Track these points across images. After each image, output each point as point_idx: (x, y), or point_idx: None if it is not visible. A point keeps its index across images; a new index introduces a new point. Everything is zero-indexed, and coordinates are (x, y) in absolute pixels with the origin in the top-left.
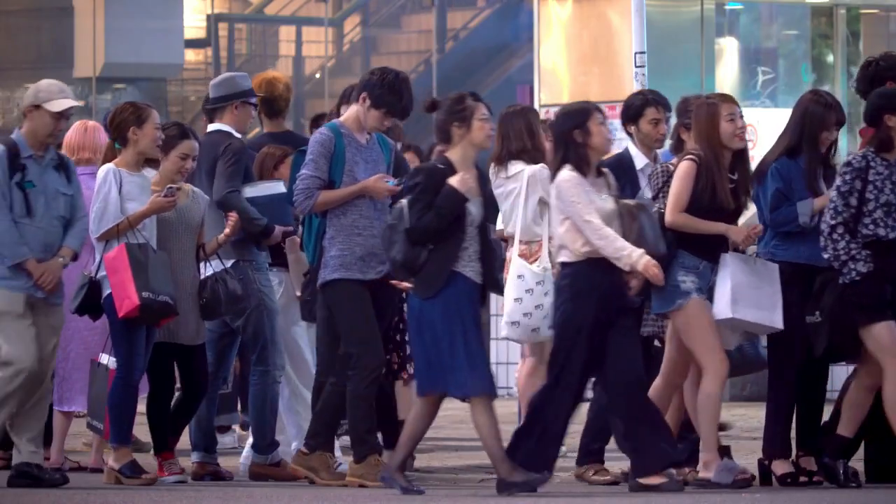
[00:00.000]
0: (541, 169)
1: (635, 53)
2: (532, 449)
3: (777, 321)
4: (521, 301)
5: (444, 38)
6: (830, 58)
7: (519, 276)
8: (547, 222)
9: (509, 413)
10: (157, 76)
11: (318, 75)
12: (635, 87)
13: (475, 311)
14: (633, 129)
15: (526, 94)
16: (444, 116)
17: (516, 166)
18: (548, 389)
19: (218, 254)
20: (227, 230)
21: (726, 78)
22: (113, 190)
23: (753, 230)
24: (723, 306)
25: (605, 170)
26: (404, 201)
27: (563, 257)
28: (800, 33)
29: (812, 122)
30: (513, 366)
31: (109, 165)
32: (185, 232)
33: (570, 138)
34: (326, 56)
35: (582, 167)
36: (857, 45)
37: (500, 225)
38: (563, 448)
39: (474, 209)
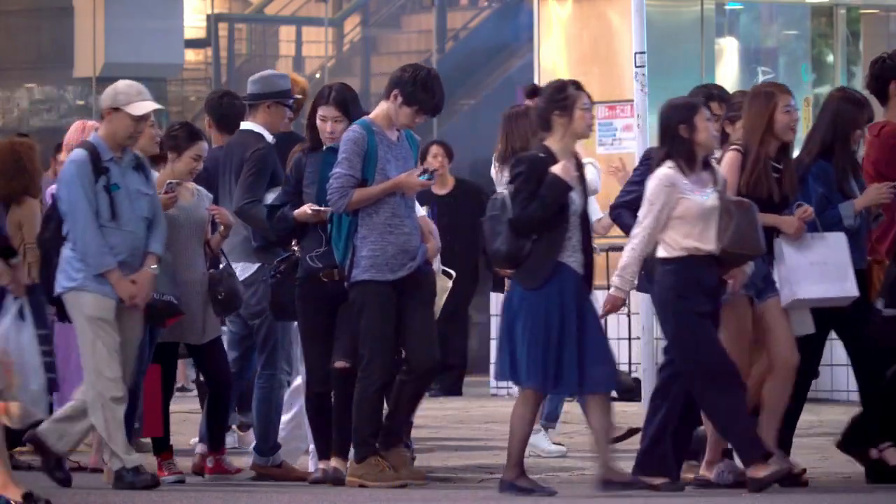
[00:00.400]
0: None
1: (635, 53)
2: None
3: (851, 289)
4: None
5: (444, 38)
6: (830, 58)
7: None
8: None
9: (510, 413)
10: (157, 76)
11: (318, 75)
12: (635, 87)
13: (581, 303)
14: None
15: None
16: (545, 105)
17: None
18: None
19: (222, 250)
20: (220, 228)
21: (726, 78)
22: None
23: (804, 214)
24: (786, 292)
25: (714, 164)
26: (505, 192)
27: (663, 252)
28: (800, 33)
29: (844, 121)
30: None
31: None
32: (193, 231)
33: (676, 133)
34: (326, 56)
35: (686, 163)
36: (857, 45)
37: None
38: (563, 448)
39: (577, 198)
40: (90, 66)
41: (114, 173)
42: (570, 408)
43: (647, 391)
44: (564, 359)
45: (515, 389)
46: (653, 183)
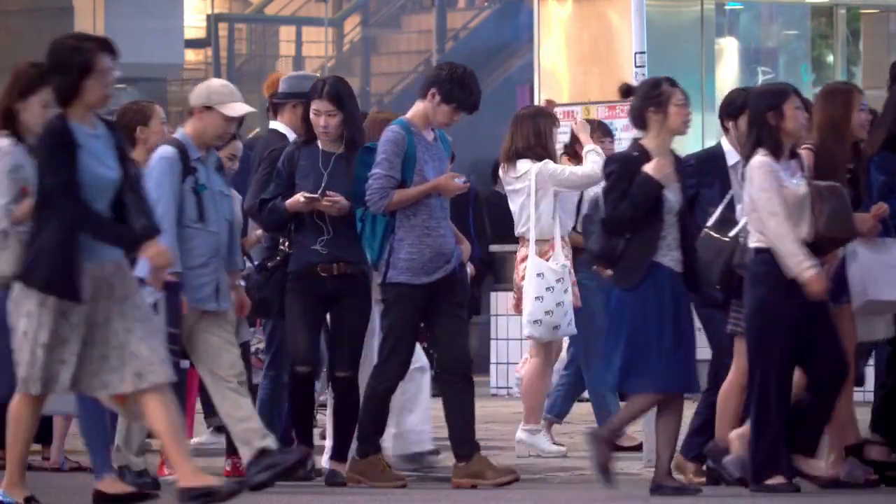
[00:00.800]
0: (544, 164)
1: (635, 53)
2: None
3: None
4: (542, 299)
5: (444, 38)
6: (830, 58)
7: (538, 275)
8: (558, 220)
9: (509, 413)
10: (157, 76)
11: (318, 75)
12: None
13: (678, 301)
14: (730, 124)
15: (526, 94)
16: (640, 102)
17: (523, 165)
18: (758, 389)
19: (248, 253)
20: (258, 231)
21: (726, 78)
22: None
23: (878, 211)
24: (857, 293)
25: (800, 152)
26: (600, 190)
27: (757, 243)
28: (800, 33)
29: None
30: (513, 365)
31: None
32: None
33: (764, 120)
34: (326, 56)
35: (775, 151)
36: (857, 45)
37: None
38: (563, 448)
39: (672, 196)
40: None
41: (200, 173)
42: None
43: None
44: (650, 357)
45: (515, 389)
46: (757, 173)
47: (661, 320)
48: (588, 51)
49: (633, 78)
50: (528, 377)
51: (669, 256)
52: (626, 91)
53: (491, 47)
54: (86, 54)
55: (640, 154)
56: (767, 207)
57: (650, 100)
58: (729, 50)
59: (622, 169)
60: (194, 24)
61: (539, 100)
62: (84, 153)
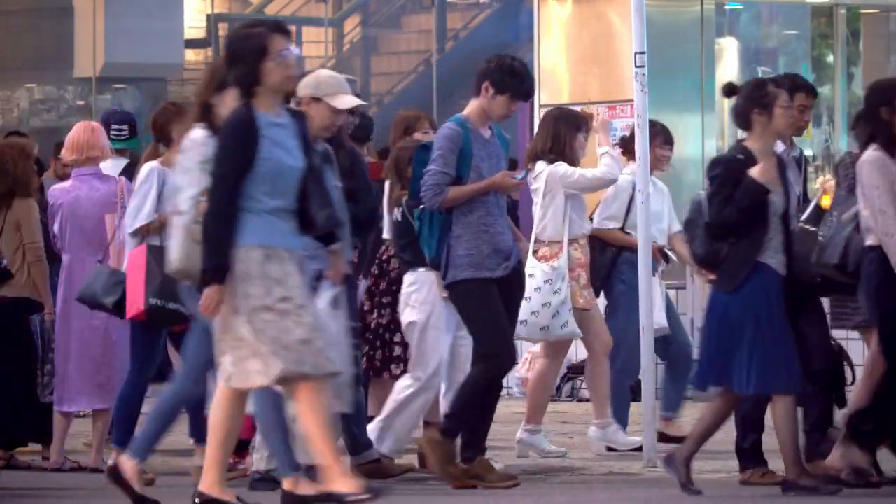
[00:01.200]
0: (555, 166)
1: (635, 53)
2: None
3: None
4: (529, 299)
5: (444, 38)
6: (830, 58)
7: (530, 275)
8: (567, 222)
9: (510, 413)
10: (157, 76)
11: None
12: (635, 87)
13: (781, 303)
14: None
15: None
16: (744, 102)
17: (539, 166)
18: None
19: None
20: None
21: (726, 78)
22: (154, 188)
23: None
24: None
25: None
26: (703, 193)
27: (870, 240)
28: (800, 33)
29: None
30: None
31: (154, 163)
32: None
33: (877, 115)
34: (326, 56)
35: (888, 146)
36: (857, 45)
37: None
38: (563, 448)
39: (777, 199)
40: (90, 66)
41: None
42: (570, 408)
43: (647, 391)
44: (749, 357)
45: (516, 389)
46: (867, 168)
47: (770, 320)
48: (588, 51)
49: (634, 78)
50: (535, 376)
51: (776, 259)
52: (730, 91)
53: (491, 47)
54: (258, 39)
55: (744, 157)
56: (877, 204)
57: (755, 101)
58: (729, 50)
59: (727, 173)
60: (194, 24)
61: (539, 100)
62: (267, 142)
